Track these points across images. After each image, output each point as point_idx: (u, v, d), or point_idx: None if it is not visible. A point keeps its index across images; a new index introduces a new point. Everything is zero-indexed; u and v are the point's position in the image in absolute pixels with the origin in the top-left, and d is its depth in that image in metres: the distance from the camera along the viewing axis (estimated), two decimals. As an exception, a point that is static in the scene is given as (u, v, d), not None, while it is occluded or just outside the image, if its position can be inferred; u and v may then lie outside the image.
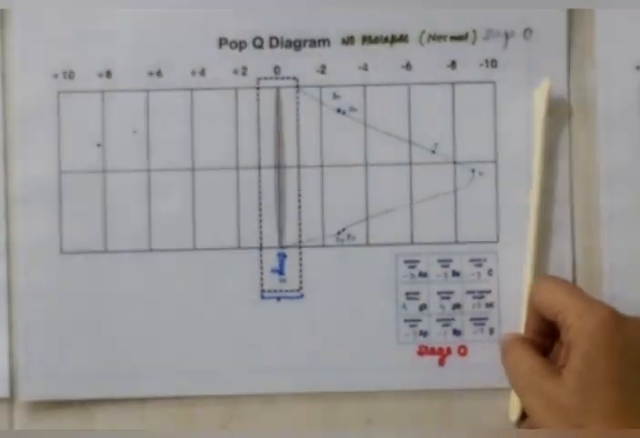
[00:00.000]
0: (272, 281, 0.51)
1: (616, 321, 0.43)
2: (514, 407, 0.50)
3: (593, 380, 0.43)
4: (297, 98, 0.51)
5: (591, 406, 0.43)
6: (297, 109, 0.51)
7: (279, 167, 0.51)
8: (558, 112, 0.51)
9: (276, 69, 0.51)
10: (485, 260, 0.51)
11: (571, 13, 0.51)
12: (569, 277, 0.51)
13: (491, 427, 0.50)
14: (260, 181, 0.51)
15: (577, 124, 0.51)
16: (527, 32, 0.51)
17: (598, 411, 0.43)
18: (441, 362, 0.51)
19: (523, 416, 0.49)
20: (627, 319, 0.44)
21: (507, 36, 0.51)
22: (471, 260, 0.51)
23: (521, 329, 0.50)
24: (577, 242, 0.51)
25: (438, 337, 0.51)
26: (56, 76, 0.51)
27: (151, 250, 0.50)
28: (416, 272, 0.51)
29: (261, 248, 0.51)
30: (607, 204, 0.51)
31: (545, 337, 0.47)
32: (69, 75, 0.51)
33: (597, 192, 0.51)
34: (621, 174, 0.51)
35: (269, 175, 0.51)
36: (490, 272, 0.51)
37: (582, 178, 0.51)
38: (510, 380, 0.47)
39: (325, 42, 0.51)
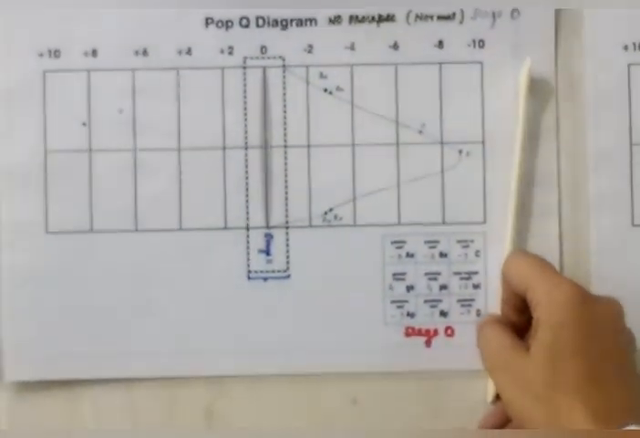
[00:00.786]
0: (258, 262, 0.51)
1: (583, 297, 0.44)
2: (490, 388, 0.49)
3: (559, 353, 0.43)
4: (284, 77, 0.51)
5: (557, 379, 0.43)
6: (284, 89, 0.51)
7: (266, 147, 0.51)
8: (545, 93, 0.51)
9: (263, 49, 0.51)
10: (472, 241, 0.51)
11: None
12: (555, 258, 0.50)
13: (477, 408, 0.50)
14: (246, 161, 0.51)
15: (564, 105, 0.51)
16: (514, 12, 0.51)
17: (565, 384, 0.43)
18: (428, 343, 0.51)
19: (498, 397, 0.49)
20: (594, 296, 0.45)
21: (494, 16, 0.51)
22: (458, 241, 0.51)
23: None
24: (564, 223, 0.51)
25: (425, 318, 0.51)
26: (41, 55, 0.51)
27: (137, 230, 0.50)
28: (403, 253, 0.51)
29: (247, 229, 0.51)
30: (595, 185, 0.50)
31: (521, 313, 0.47)
32: (55, 54, 0.51)
33: (585, 173, 0.51)
34: (608, 156, 0.51)
35: (255, 155, 0.51)
36: (477, 253, 0.51)
37: (569, 159, 0.51)
38: (482, 359, 0.47)
39: (311, 21, 0.51)
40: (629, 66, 0.51)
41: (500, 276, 0.48)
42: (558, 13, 0.51)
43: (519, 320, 0.47)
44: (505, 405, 0.45)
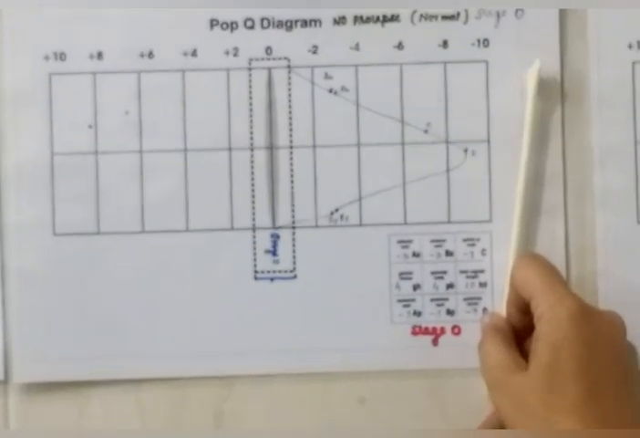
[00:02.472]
0: (265, 262, 0.51)
1: (585, 313, 0.43)
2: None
3: (558, 373, 0.43)
4: (289, 78, 0.51)
5: (555, 399, 0.42)
6: (289, 90, 0.51)
7: (271, 148, 0.51)
8: (550, 92, 0.51)
9: (268, 50, 0.51)
10: (478, 240, 0.51)
11: None
12: (562, 256, 0.50)
13: (484, 405, 0.50)
14: (252, 161, 0.51)
15: (570, 103, 0.51)
16: (519, 11, 0.51)
17: (562, 405, 0.42)
18: (435, 342, 0.51)
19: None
20: (596, 312, 0.44)
21: (498, 15, 0.51)
22: (465, 240, 0.51)
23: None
24: (570, 221, 0.51)
25: (432, 316, 0.51)
26: (47, 58, 0.51)
27: (144, 231, 0.50)
28: (409, 252, 0.51)
29: (254, 229, 0.51)
30: (600, 183, 0.51)
31: (525, 314, 0.47)
32: (60, 56, 0.51)
33: (590, 171, 0.51)
34: (614, 154, 0.51)
35: (261, 156, 0.51)
36: (483, 252, 0.51)
37: (575, 157, 0.51)
38: (481, 374, 0.46)
39: (316, 22, 0.51)
40: (634, 64, 0.51)
41: (509, 277, 0.48)
42: (562, 12, 0.51)
43: (523, 321, 0.47)
44: (504, 422, 0.44)
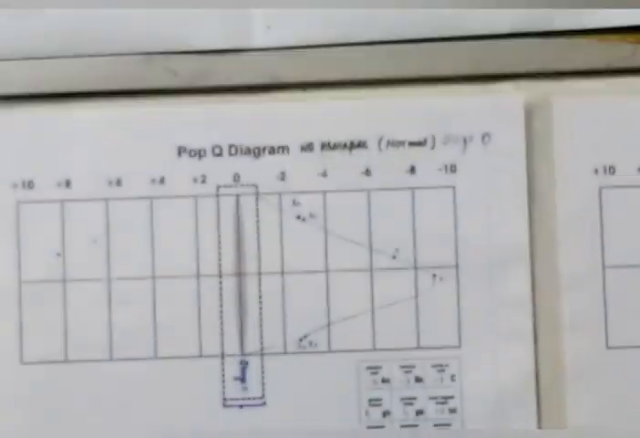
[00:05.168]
0: (234, 389, 0.51)
1: None
2: None
3: None
4: (257, 205, 0.51)
5: None
6: (257, 217, 0.51)
7: (240, 275, 0.51)
8: (517, 216, 0.51)
9: (236, 177, 0.51)
10: (447, 365, 0.51)
11: (529, 116, 0.51)
12: (532, 382, 0.50)
13: None
14: (221, 289, 0.51)
15: (537, 227, 0.51)
16: (485, 137, 0.51)
17: None
18: (405, 470, 0.51)
19: None
20: None
21: (465, 141, 0.51)
22: (434, 366, 0.51)
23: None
24: (539, 346, 0.51)
25: (402, 444, 0.51)
26: (15, 186, 0.51)
27: (112, 359, 0.50)
28: (378, 378, 0.51)
29: (222, 356, 0.51)
30: (568, 308, 0.51)
31: None
32: (28, 185, 0.51)
33: (559, 295, 0.51)
34: (581, 278, 0.51)
35: (230, 283, 0.51)
36: (452, 377, 0.51)
37: (543, 282, 0.51)
38: None
39: (283, 149, 0.51)
40: (600, 189, 0.51)
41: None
42: (529, 136, 0.51)
43: None
44: None
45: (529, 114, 0.52)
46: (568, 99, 0.52)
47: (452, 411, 0.51)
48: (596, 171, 0.51)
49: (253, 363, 0.51)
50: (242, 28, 0.52)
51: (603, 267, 0.51)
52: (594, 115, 0.51)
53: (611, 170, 0.51)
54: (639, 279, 0.51)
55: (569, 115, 0.51)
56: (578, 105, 0.51)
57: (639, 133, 0.52)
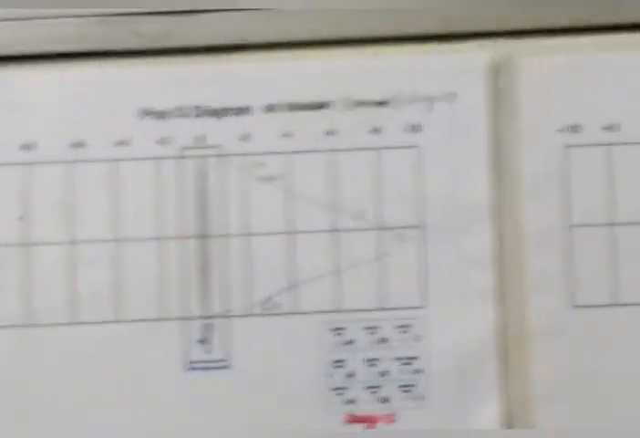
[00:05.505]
0: (198, 352, 0.51)
1: None
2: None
3: None
4: (222, 166, 0.51)
5: None
6: (221, 178, 0.51)
7: (204, 237, 0.51)
8: (483, 175, 0.51)
9: (200, 138, 0.51)
10: (412, 326, 0.51)
11: (495, 75, 0.51)
12: (495, 341, 0.50)
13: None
14: (185, 251, 0.51)
15: (503, 186, 0.51)
16: (450, 96, 0.51)
17: None
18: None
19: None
20: None
21: (430, 100, 0.51)
22: (398, 326, 0.51)
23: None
24: (504, 304, 0.51)
25: (366, 405, 0.51)
26: (-23, 149, 0.51)
27: (75, 323, 0.50)
28: (342, 340, 0.51)
29: (186, 319, 0.51)
30: (534, 266, 0.51)
31: None
32: (-8, 148, 0.51)
33: (524, 254, 0.51)
34: (547, 236, 0.51)
35: (193, 245, 0.51)
36: (417, 338, 0.51)
37: (509, 240, 0.51)
38: None
39: (247, 110, 0.51)
40: (566, 147, 0.50)
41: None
42: (494, 95, 0.51)
43: None
44: None
45: (495, 73, 0.51)
46: (533, 57, 0.51)
47: (417, 371, 0.51)
48: (562, 129, 0.51)
49: (218, 326, 0.51)
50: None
51: (569, 226, 0.50)
52: (559, 74, 0.51)
53: (576, 128, 0.51)
54: (604, 238, 0.50)
55: (534, 74, 0.51)
56: (543, 64, 0.51)
57: (605, 92, 0.51)
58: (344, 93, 0.51)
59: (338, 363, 0.51)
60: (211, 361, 0.51)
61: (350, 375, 0.51)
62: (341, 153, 0.51)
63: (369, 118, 0.51)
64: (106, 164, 0.51)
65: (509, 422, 0.50)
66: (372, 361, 0.51)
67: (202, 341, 0.50)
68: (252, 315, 0.51)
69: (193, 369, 0.50)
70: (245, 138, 0.51)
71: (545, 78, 0.51)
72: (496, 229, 0.51)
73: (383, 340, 0.51)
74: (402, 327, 0.51)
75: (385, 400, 0.51)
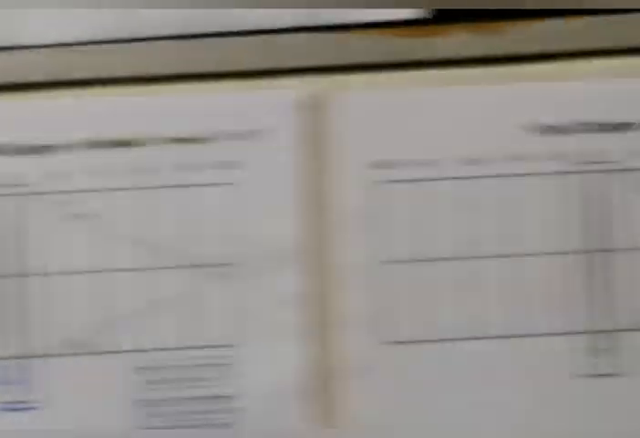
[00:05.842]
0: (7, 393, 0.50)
1: None
2: None
3: None
4: (31, 204, 0.50)
5: None
6: (32, 216, 0.50)
7: (12, 276, 0.50)
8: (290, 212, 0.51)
9: (9, 177, 0.50)
10: (225, 365, 0.50)
11: (310, 111, 0.51)
12: (308, 378, 0.50)
13: None
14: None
15: (311, 224, 0.51)
16: (262, 132, 0.51)
17: None
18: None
19: None
20: None
21: (243, 137, 0.51)
22: (211, 365, 0.50)
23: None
24: (314, 343, 0.50)
25: (176, 444, 0.50)
26: None
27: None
28: (151, 379, 0.50)
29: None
30: (342, 304, 0.50)
31: None
32: None
33: (334, 291, 0.50)
34: (357, 274, 0.50)
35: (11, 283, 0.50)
36: (229, 376, 0.50)
37: (318, 278, 0.51)
38: None
39: (51, 148, 0.50)
40: (376, 183, 0.50)
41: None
42: (307, 131, 0.51)
43: None
44: None
45: (307, 109, 0.51)
46: (344, 94, 0.51)
47: (232, 410, 0.50)
48: (372, 165, 0.51)
49: (21, 366, 0.50)
50: (11, 27, 0.51)
51: (380, 262, 0.50)
52: (370, 109, 0.51)
53: (387, 164, 0.51)
54: (412, 274, 0.50)
55: (344, 110, 0.51)
56: (353, 100, 0.51)
57: (416, 127, 0.51)
58: (160, 130, 0.51)
59: (147, 403, 0.50)
60: (18, 402, 0.50)
61: (161, 415, 0.50)
62: (154, 191, 0.51)
63: (185, 155, 0.51)
64: None
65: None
66: (184, 401, 0.50)
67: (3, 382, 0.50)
68: (59, 355, 0.50)
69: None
70: (53, 176, 0.50)
71: (355, 114, 0.51)
72: (306, 267, 0.50)
73: (195, 380, 0.50)
74: (214, 365, 0.50)
75: (195, 439, 0.50)
